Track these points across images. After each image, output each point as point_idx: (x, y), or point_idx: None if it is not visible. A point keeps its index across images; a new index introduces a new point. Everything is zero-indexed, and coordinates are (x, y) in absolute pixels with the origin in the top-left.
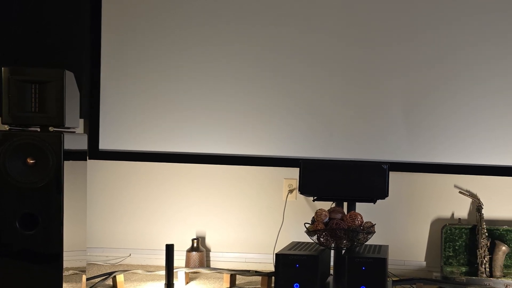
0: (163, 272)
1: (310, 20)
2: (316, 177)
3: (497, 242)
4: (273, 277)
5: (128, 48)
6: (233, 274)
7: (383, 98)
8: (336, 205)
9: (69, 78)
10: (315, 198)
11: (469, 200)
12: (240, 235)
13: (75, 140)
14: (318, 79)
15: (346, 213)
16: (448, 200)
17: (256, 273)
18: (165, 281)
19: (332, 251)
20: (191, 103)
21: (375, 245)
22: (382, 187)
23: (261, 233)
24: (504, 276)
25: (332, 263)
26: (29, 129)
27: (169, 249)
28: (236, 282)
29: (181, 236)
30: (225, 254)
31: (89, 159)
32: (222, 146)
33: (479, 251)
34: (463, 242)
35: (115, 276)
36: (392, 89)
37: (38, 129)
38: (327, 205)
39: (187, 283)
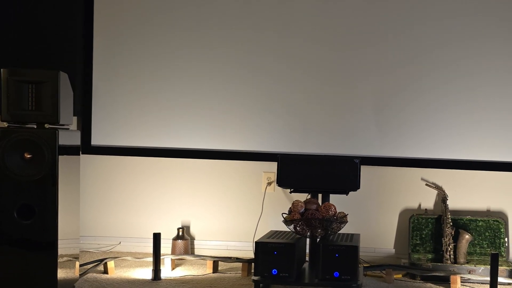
0: (150, 259)
1: (287, 25)
2: (293, 171)
3: (461, 231)
4: (253, 263)
5: (118, 51)
6: (216, 261)
7: (355, 97)
8: (311, 196)
9: (64, 79)
10: (292, 190)
11: (435, 192)
12: (223, 225)
13: (69, 136)
14: (295, 79)
15: (320, 204)
16: (416, 192)
17: (237, 259)
18: (153, 267)
19: (308, 239)
20: (177, 102)
21: (348, 234)
22: (354, 180)
23: (242, 223)
24: (467, 263)
25: (307, 251)
26: (26, 126)
27: (156, 237)
28: (219, 268)
29: (167, 225)
30: (209, 242)
31: (82, 154)
32: (205, 142)
33: (444, 239)
34: (429, 231)
35: (106, 263)
36: (363, 89)
37: (35, 126)
38: (303, 197)
39: (173, 269)
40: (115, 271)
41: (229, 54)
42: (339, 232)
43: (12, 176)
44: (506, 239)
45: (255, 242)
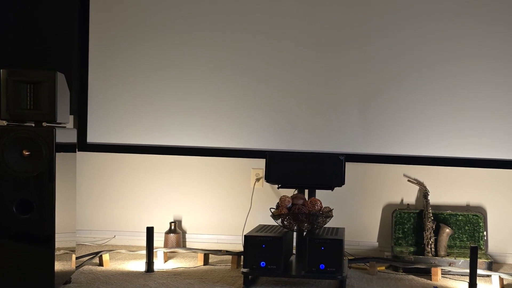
0: (144, 252)
1: (276, 28)
2: (281, 167)
3: (441, 225)
4: (242, 256)
5: (113, 53)
6: (207, 254)
7: (340, 97)
8: (298, 192)
9: (61, 79)
10: (279, 185)
11: (417, 187)
12: (213, 219)
13: (66, 134)
14: (283, 79)
15: (307, 199)
16: (398, 187)
17: (227, 252)
18: (146, 259)
19: (295, 233)
20: (169, 101)
21: (333, 228)
22: (339, 176)
23: (232, 217)
24: (447, 255)
25: (294, 244)
26: (25, 124)
27: (150, 231)
28: (209, 261)
29: (160, 219)
30: (200, 236)
31: (78, 151)
32: (197, 140)
33: (425, 233)
34: (411, 225)
35: (101, 255)
36: (348, 89)
37: (33, 124)
38: (290, 192)
39: (165, 261)
40: (110, 264)
41: (219, 55)
42: (324, 226)
43: (11, 173)
44: (484, 233)
45: (244, 235)
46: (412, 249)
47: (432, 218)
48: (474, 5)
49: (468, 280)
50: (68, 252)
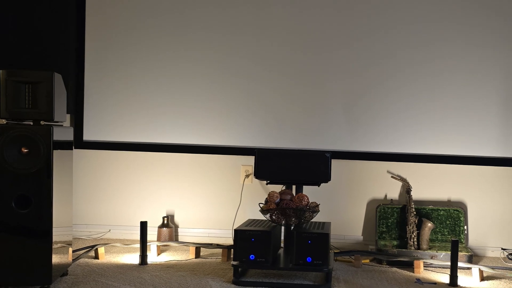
0: (138, 245)
1: (264, 30)
2: (269, 164)
3: (423, 219)
4: (232, 250)
5: (108, 54)
6: (198, 247)
7: (326, 96)
8: (286, 188)
9: (58, 79)
10: (268, 182)
11: (400, 183)
12: (204, 214)
13: (63, 132)
14: (271, 80)
15: (294, 195)
16: (382, 183)
17: (218, 246)
18: (140, 252)
19: (283, 227)
20: (162, 101)
21: (319, 222)
22: (325, 172)
23: (222, 212)
24: (429, 249)
25: (282, 238)
26: (24, 122)
27: (143, 225)
28: (201, 254)
29: (153, 214)
30: (191, 230)
31: (74, 148)
32: (188, 137)
33: (408, 227)
34: (395, 219)
35: (97, 249)
36: (334, 89)
37: (31, 123)
38: (278, 188)
39: (158, 254)
40: (105, 257)
41: (211, 56)
42: (311, 220)
43: (10, 169)
44: (465, 227)
45: (234, 229)
46: (395, 242)
47: (415, 213)
48: (455, 9)
49: (449, 273)
50: (65, 245)
